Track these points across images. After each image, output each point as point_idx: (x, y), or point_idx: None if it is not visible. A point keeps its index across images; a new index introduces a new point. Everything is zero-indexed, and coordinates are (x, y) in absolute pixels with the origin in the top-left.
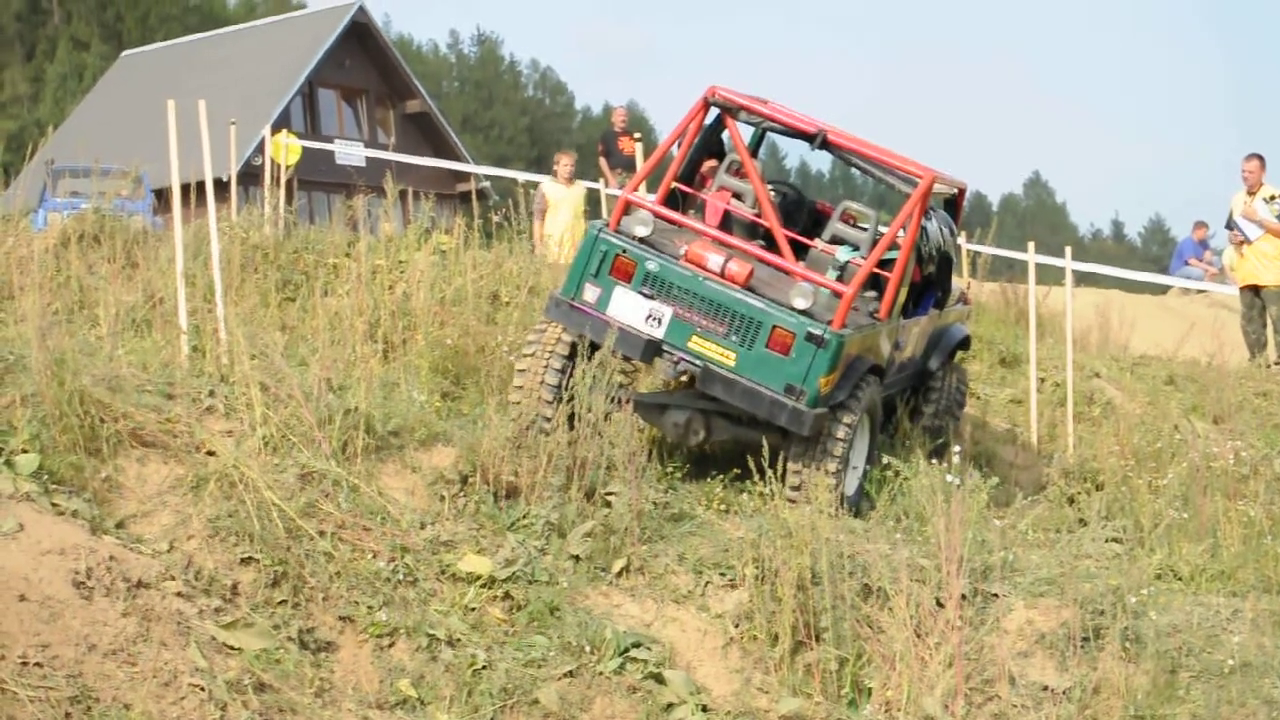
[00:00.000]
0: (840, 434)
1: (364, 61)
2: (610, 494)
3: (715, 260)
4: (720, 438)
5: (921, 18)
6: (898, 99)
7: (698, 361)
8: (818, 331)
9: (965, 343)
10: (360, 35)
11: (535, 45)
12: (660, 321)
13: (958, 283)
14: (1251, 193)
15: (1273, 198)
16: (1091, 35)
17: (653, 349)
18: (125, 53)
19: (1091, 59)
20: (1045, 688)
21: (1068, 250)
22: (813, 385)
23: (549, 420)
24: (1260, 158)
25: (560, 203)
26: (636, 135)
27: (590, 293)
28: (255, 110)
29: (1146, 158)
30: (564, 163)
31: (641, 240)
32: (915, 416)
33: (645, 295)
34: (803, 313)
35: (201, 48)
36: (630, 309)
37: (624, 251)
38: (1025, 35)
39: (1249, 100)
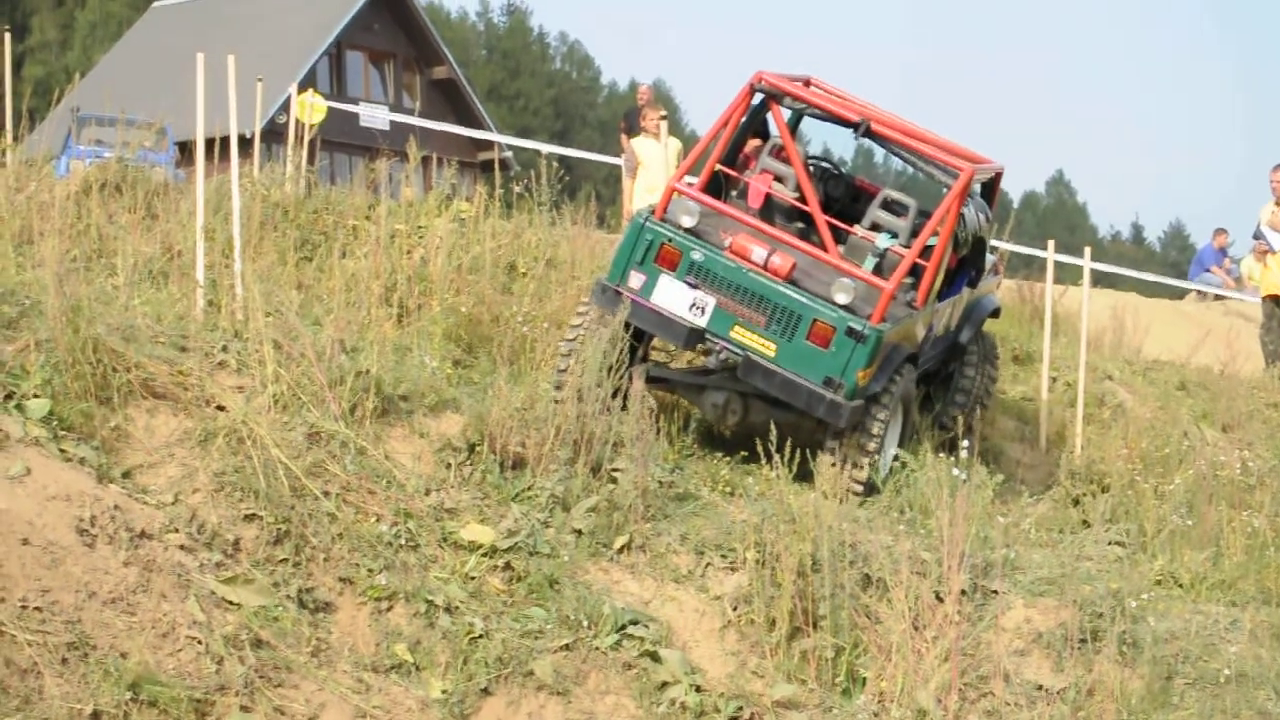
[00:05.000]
0: (875, 427)
1: (393, 25)
2: (616, 470)
3: (759, 253)
4: (757, 419)
5: (951, 7)
6: (925, 89)
7: (739, 351)
8: (858, 327)
9: (995, 313)
10: None
11: (564, 18)
12: (704, 310)
13: (990, 257)
14: (1279, 203)
15: None
16: (1121, 38)
17: (696, 337)
18: (155, 4)
19: (1121, 62)
20: (1040, 687)
21: (1087, 250)
22: (851, 378)
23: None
24: None
25: (653, 159)
26: (663, 113)
27: (635, 280)
28: (282, 68)
29: (1170, 162)
30: (651, 117)
31: (687, 230)
32: (948, 390)
33: (689, 284)
34: (844, 307)
35: (230, 2)
36: (674, 297)
37: (670, 240)
38: (1057, 33)
39: (1276, 109)
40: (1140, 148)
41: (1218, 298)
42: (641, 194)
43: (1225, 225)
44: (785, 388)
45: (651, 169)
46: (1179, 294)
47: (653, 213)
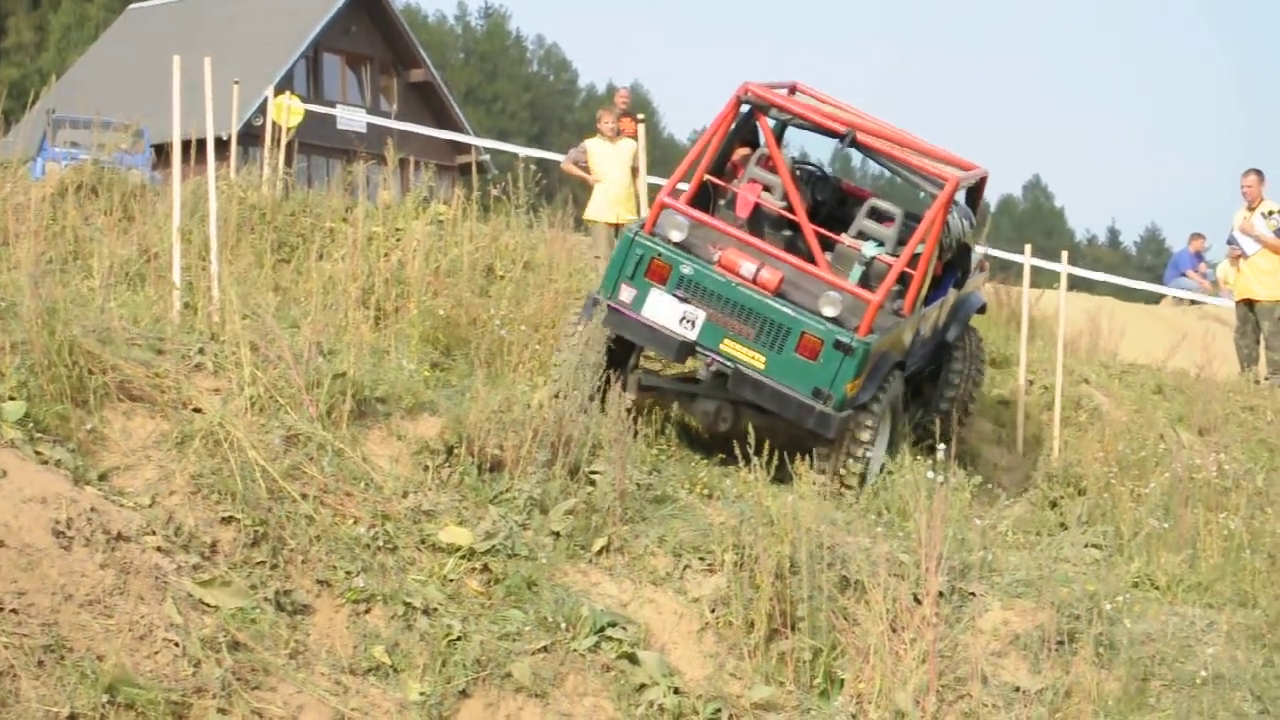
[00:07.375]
0: (865, 434)
1: (370, 28)
2: (594, 472)
3: (748, 267)
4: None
5: (930, 14)
6: (904, 93)
7: (729, 363)
8: (845, 340)
9: (981, 309)
10: (367, 2)
11: (542, 21)
12: (694, 324)
13: (975, 255)
14: (1251, 208)
15: (1271, 213)
16: (1099, 43)
17: (686, 349)
18: (131, 6)
19: (1099, 67)
20: (1017, 688)
21: (1064, 254)
22: (839, 389)
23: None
24: (1259, 173)
25: (606, 160)
26: (640, 117)
27: (626, 293)
28: (259, 71)
29: (1146, 167)
30: (606, 120)
31: (676, 244)
32: (935, 388)
33: (679, 298)
34: (831, 320)
35: (207, 5)
36: (665, 311)
37: (660, 255)
38: (1035, 39)
39: (1251, 115)
40: (1117, 152)
41: (1193, 302)
42: (594, 193)
43: (1202, 230)
44: (775, 399)
45: (601, 169)
46: (1155, 298)
47: (643, 226)
